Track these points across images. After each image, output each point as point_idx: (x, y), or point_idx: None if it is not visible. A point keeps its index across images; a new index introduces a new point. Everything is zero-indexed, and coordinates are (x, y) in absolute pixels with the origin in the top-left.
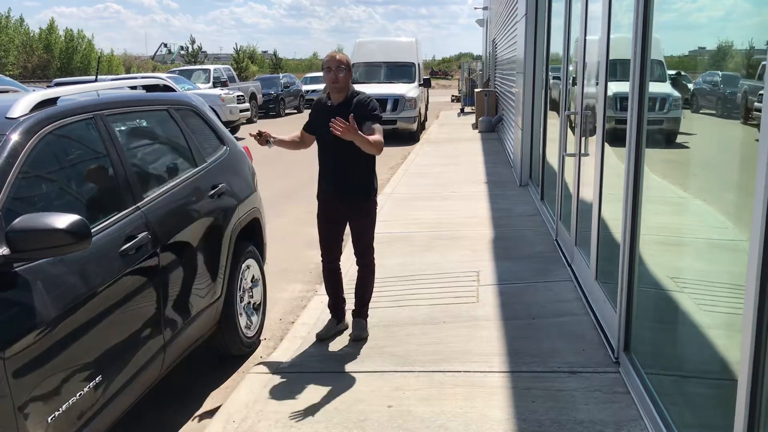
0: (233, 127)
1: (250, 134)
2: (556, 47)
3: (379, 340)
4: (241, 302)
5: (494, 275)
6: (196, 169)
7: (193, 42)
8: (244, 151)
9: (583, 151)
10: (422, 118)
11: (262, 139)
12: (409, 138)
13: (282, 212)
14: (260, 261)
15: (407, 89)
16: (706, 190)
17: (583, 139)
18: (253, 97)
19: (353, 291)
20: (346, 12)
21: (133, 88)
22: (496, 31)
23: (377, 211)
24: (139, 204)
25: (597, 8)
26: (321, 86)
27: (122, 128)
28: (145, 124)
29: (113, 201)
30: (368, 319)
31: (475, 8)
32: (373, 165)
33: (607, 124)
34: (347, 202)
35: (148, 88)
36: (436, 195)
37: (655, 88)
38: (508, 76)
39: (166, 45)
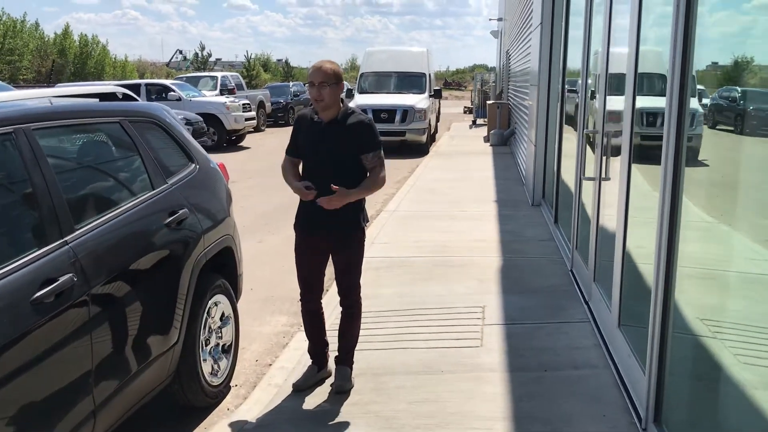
0: (238, 135)
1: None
2: (574, 59)
3: (364, 393)
4: (206, 346)
5: (502, 312)
6: (153, 192)
7: (203, 49)
8: (218, 168)
9: (603, 175)
10: (432, 130)
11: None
12: (418, 150)
13: (275, 229)
14: (232, 296)
15: (417, 100)
16: (734, 213)
17: (604, 160)
18: (261, 105)
19: (337, 333)
20: (362, 22)
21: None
22: (510, 42)
23: (365, 242)
24: (67, 238)
25: (621, 19)
26: None
27: (56, 144)
28: (89, 139)
29: (30, 236)
30: (354, 366)
31: (490, 19)
32: None
33: (634, 143)
34: (332, 232)
35: (103, 97)
36: (442, 214)
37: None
38: (522, 89)
39: (181, 52)
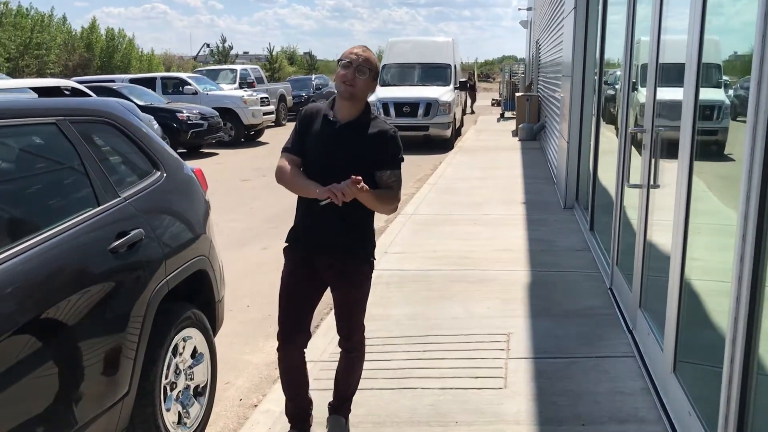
0: (257, 131)
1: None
2: (613, 47)
3: None
4: (171, 391)
5: (529, 342)
6: (97, 209)
7: (224, 41)
8: (193, 176)
9: (652, 182)
10: (458, 124)
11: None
12: (442, 146)
13: (284, 234)
14: (207, 328)
15: (441, 93)
16: None
17: (652, 164)
18: (282, 99)
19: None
20: (389, 14)
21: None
22: (540, 31)
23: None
24: None
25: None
26: None
27: None
28: (12, 144)
29: None
30: (352, 413)
31: (519, 9)
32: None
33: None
34: (335, 260)
35: (44, 92)
36: (464, 218)
37: (712, 95)
38: (552, 80)
39: (208, 45)
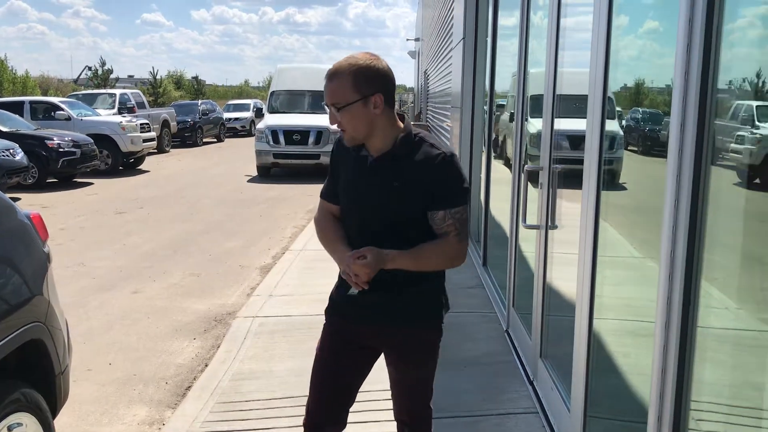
0: (136, 158)
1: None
2: (504, 77)
3: None
4: None
5: None
6: None
7: (103, 64)
8: (28, 223)
9: (550, 223)
10: None
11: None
12: None
13: (158, 275)
14: (44, 409)
15: None
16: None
17: (550, 204)
18: (165, 124)
19: None
20: (280, 41)
21: None
22: (428, 61)
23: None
24: None
25: (574, 32)
26: (245, 114)
27: None
28: None
29: None
30: None
31: (407, 39)
32: None
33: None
34: (389, 329)
35: None
36: None
37: (607, 126)
38: (441, 110)
39: (90, 68)
